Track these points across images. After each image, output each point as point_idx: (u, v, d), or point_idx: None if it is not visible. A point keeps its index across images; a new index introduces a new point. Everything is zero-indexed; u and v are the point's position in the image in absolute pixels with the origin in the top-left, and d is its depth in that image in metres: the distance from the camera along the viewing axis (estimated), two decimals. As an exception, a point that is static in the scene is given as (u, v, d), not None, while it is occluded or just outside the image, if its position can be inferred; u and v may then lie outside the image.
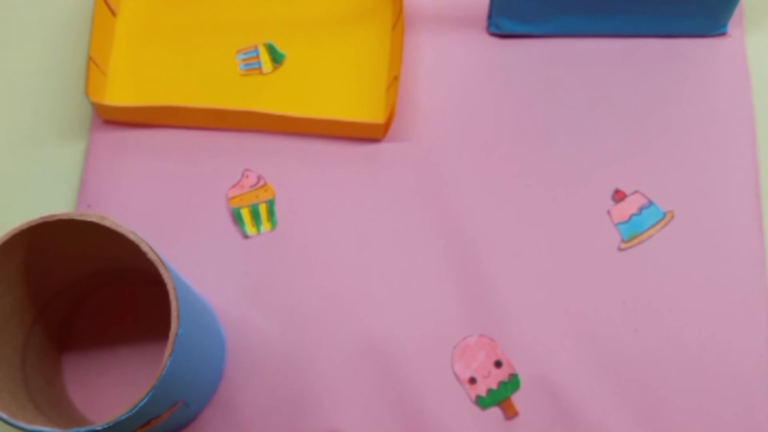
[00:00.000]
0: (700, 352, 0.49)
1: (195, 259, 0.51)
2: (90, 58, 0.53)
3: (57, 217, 0.39)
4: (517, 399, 0.49)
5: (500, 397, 0.49)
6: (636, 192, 0.52)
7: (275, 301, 0.51)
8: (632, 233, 0.51)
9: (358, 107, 0.54)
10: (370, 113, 0.54)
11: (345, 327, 0.50)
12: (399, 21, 0.54)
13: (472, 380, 0.49)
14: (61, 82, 0.56)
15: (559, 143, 0.53)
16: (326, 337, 0.50)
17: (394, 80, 0.52)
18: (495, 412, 0.49)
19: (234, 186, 0.53)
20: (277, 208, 0.52)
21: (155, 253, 0.39)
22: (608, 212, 0.52)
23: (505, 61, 0.55)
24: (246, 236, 0.52)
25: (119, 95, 0.55)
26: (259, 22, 0.56)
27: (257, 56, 0.56)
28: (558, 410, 0.48)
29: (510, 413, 0.48)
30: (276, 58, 0.56)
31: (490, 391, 0.49)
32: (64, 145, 0.55)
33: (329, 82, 0.55)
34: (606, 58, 0.55)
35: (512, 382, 0.49)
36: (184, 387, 0.43)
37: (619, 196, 0.52)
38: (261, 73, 0.55)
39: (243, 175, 0.53)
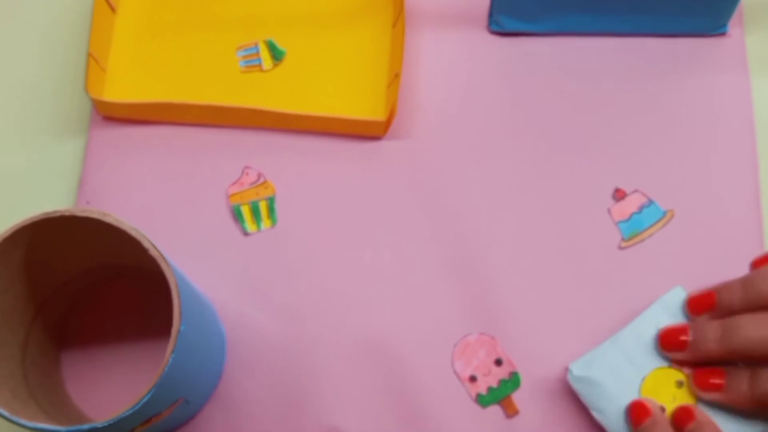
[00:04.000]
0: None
1: (195, 256, 0.51)
2: (89, 55, 0.53)
3: (59, 213, 0.39)
4: (518, 397, 0.49)
5: (500, 396, 0.49)
6: (636, 191, 0.52)
7: (275, 298, 0.51)
8: (633, 232, 0.51)
9: (359, 105, 0.54)
10: (370, 111, 0.54)
11: (345, 324, 0.50)
12: (400, 18, 0.54)
13: (473, 378, 0.49)
14: (60, 78, 0.56)
15: (560, 141, 0.53)
16: (326, 335, 0.50)
17: (395, 78, 0.52)
18: (495, 410, 0.49)
19: (234, 183, 0.53)
20: (277, 206, 0.52)
21: (157, 249, 0.39)
22: (609, 211, 0.52)
23: (505, 60, 0.55)
24: (246, 233, 0.52)
25: (119, 92, 0.55)
26: (259, 19, 0.56)
27: (257, 53, 0.56)
28: (558, 408, 0.48)
29: (510, 411, 0.48)
30: (276, 55, 0.55)
31: (490, 389, 0.49)
32: (63, 142, 0.54)
33: (330, 79, 0.55)
34: (606, 56, 0.55)
35: (512, 381, 0.49)
36: (185, 384, 0.43)
37: (619, 194, 0.52)
38: (261, 70, 0.55)
39: (243, 172, 0.53)
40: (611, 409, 0.45)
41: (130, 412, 0.37)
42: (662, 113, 0.54)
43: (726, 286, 0.46)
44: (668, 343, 0.46)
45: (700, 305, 0.46)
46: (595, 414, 0.46)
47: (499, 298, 0.50)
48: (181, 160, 0.53)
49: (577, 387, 0.46)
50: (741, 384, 0.43)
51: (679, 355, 0.45)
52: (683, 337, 0.45)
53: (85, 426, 0.37)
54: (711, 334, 0.44)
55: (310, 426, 0.48)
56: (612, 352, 0.46)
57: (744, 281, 0.45)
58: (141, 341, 0.49)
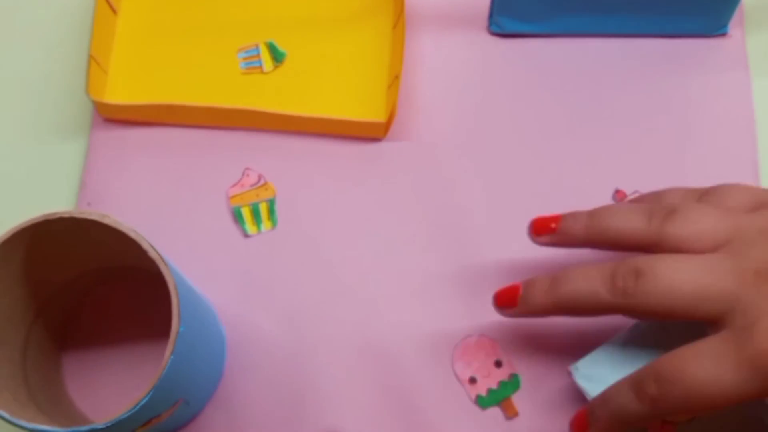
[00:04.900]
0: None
1: (195, 257, 0.51)
2: (91, 57, 0.53)
3: (58, 215, 0.39)
4: (518, 399, 0.49)
5: (500, 397, 0.49)
6: (636, 192, 0.52)
7: (275, 299, 0.51)
8: (632, 233, 0.51)
9: (359, 106, 0.54)
10: (370, 112, 0.54)
11: (345, 326, 0.50)
12: (400, 20, 0.54)
13: (472, 380, 0.49)
14: (62, 80, 0.56)
15: (560, 142, 0.53)
16: (326, 336, 0.50)
17: (395, 79, 0.52)
18: (495, 412, 0.49)
19: (234, 185, 0.53)
20: (277, 207, 0.52)
21: (156, 251, 0.39)
22: (609, 212, 0.52)
23: (506, 61, 0.55)
24: (246, 235, 0.52)
25: (120, 93, 0.55)
26: (260, 20, 0.56)
27: (258, 55, 0.56)
28: (558, 410, 0.48)
29: (510, 413, 0.48)
30: (277, 56, 0.56)
31: (490, 391, 0.49)
32: (64, 143, 0.55)
33: (330, 80, 0.55)
34: (606, 58, 0.55)
35: (512, 382, 0.49)
36: (185, 386, 0.43)
37: (619, 195, 0.52)
38: (262, 72, 0.55)
39: (243, 173, 0.53)
40: None
41: (129, 413, 0.37)
42: (662, 114, 0.54)
43: (572, 214, 0.45)
44: (502, 301, 0.45)
45: (542, 226, 0.46)
46: None
47: (500, 300, 0.50)
48: (182, 161, 0.53)
49: (583, 384, 0.46)
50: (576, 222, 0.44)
51: (510, 312, 0.45)
52: (515, 293, 0.45)
53: (84, 427, 0.37)
54: (539, 285, 0.44)
55: (310, 427, 0.48)
56: (617, 350, 0.46)
57: (591, 213, 0.44)
58: (142, 343, 0.49)
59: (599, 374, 0.46)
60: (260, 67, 0.55)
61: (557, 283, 0.43)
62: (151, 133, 0.54)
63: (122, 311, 0.50)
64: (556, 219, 0.45)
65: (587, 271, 0.42)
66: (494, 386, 0.49)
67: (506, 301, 0.45)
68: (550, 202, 0.52)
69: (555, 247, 0.46)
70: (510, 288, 0.45)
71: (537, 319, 0.50)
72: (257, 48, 0.56)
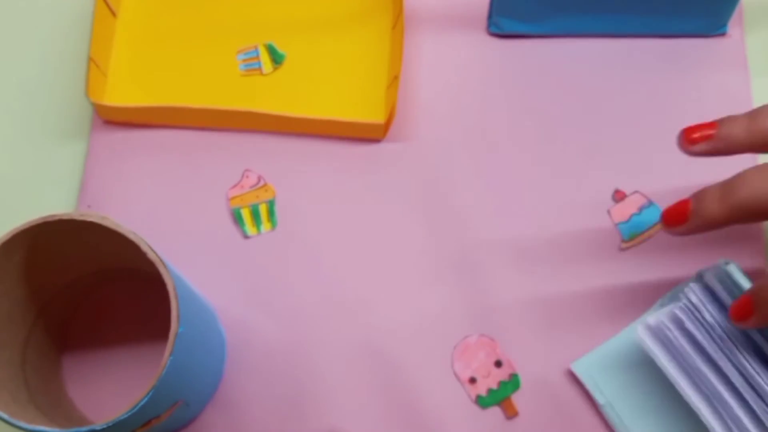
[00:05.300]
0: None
1: (195, 259, 0.51)
2: (90, 59, 0.53)
3: (58, 217, 0.40)
4: (517, 399, 0.49)
5: (500, 397, 0.49)
6: (636, 192, 0.52)
7: (275, 301, 0.51)
8: (633, 233, 0.51)
9: (358, 107, 0.54)
10: (369, 113, 0.54)
11: (345, 327, 0.50)
12: (399, 21, 0.54)
13: (472, 380, 0.49)
14: (62, 82, 0.56)
15: (559, 143, 0.53)
16: (326, 337, 0.50)
17: (394, 80, 0.52)
18: (495, 411, 0.49)
19: (234, 186, 0.53)
20: (277, 209, 0.52)
21: (155, 252, 0.40)
22: (608, 212, 0.52)
23: (505, 61, 0.55)
24: (246, 236, 0.52)
25: (120, 96, 0.55)
26: (259, 22, 0.57)
27: (257, 57, 0.56)
28: (558, 410, 0.48)
29: (510, 413, 0.48)
30: (276, 58, 0.56)
31: (490, 390, 0.49)
32: (64, 146, 0.55)
33: (329, 82, 0.55)
34: (606, 58, 0.55)
35: (512, 382, 0.49)
36: (184, 387, 0.43)
37: (619, 196, 0.52)
38: (261, 74, 0.55)
39: (243, 175, 0.53)
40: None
41: (128, 414, 0.37)
42: (662, 114, 0.54)
43: (729, 118, 0.41)
44: (671, 219, 0.42)
45: (695, 135, 0.42)
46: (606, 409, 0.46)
47: (499, 300, 0.50)
48: (182, 163, 0.54)
49: (585, 381, 0.45)
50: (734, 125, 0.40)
51: (681, 229, 0.42)
52: (685, 208, 0.41)
53: (84, 428, 0.37)
54: (712, 195, 0.40)
55: (310, 428, 0.48)
56: (617, 348, 0.45)
57: (750, 114, 0.41)
58: (141, 343, 0.49)
59: (600, 372, 0.46)
60: (259, 68, 0.56)
61: (731, 189, 0.40)
62: (151, 135, 0.54)
63: (122, 312, 0.50)
64: (711, 125, 0.42)
65: (762, 170, 0.39)
66: (494, 386, 0.49)
67: (676, 217, 0.42)
68: (550, 201, 0.52)
69: (712, 156, 0.42)
70: (679, 204, 0.42)
71: (536, 318, 0.50)
72: (256, 49, 0.56)
